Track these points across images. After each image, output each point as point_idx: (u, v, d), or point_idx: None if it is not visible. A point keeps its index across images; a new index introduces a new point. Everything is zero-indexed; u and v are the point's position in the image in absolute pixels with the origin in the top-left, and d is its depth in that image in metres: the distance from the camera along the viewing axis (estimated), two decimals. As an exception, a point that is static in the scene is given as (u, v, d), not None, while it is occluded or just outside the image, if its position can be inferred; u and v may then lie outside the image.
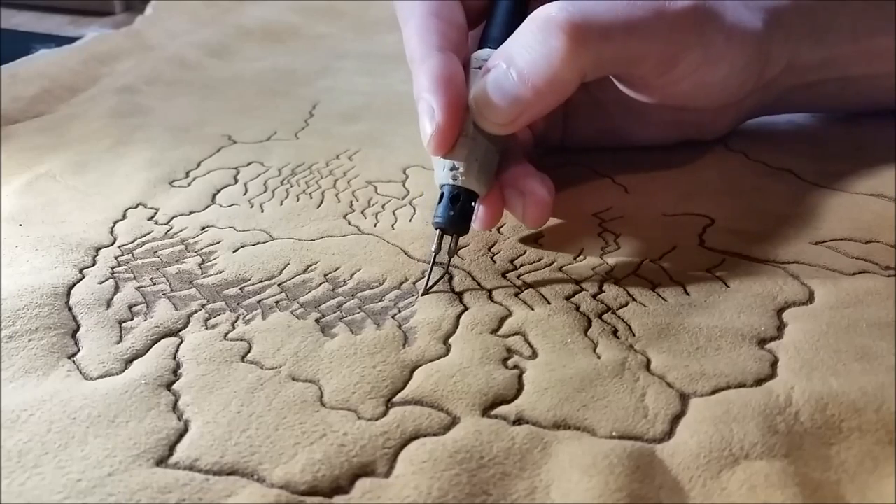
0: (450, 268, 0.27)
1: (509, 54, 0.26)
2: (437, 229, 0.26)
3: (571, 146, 0.35)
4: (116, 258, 0.28)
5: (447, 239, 0.26)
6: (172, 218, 0.31)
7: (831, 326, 0.23)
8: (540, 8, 0.27)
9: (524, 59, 0.26)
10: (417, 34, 0.28)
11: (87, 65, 0.47)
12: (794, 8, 0.32)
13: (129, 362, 0.23)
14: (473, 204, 0.27)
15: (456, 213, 0.26)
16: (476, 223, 0.28)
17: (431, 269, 0.26)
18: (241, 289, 0.26)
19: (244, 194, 0.33)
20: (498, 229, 0.30)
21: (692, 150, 0.35)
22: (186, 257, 0.28)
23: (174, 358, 0.23)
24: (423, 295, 0.26)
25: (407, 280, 0.27)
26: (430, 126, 0.26)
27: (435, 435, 0.20)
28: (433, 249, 0.26)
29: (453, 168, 0.26)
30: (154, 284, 0.26)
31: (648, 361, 0.22)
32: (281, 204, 0.32)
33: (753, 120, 0.38)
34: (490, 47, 0.29)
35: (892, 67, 0.34)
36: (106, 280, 0.27)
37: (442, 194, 0.26)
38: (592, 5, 0.26)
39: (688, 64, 0.29)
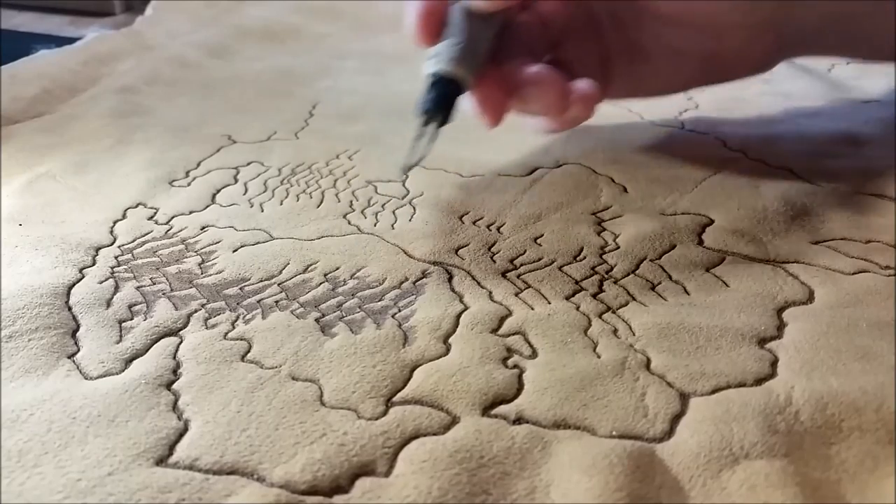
0: (426, 156, 0.27)
1: None
2: (417, 116, 0.27)
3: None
4: (116, 258, 0.28)
5: (431, 127, 0.27)
6: (172, 218, 0.31)
7: (831, 326, 0.23)
8: None
9: None
10: None
11: (87, 65, 0.47)
12: None
13: (129, 362, 0.23)
14: (453, 91, 0.27)
15: (433, 99, 0.26)
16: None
17: (412, 151, 0.27)
18: (240, 288, 0.26)
19: (244, 194, 0.33)
20: (498, 229, 0.30)
21: (692, 150, 0.35)
22: (186, 257, 0.28)
23: (174, 357, 0.23)
24: (402, 174, 0.26)
25: (407, 280, 0.27)
26: (412, 15, 0.26)
27: (435, 434, 0.20)
28: (415, 135, 0.27)
29: (435, 55, 0.26)
30: (154, 284, 0.26)
31: (648, 361, 0.22)
32: (281, 204, 0.32)
33: (752, 120, 0.38)
34: None
35: None
36: (106, 280, 0.27)
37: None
38: None
39: None
